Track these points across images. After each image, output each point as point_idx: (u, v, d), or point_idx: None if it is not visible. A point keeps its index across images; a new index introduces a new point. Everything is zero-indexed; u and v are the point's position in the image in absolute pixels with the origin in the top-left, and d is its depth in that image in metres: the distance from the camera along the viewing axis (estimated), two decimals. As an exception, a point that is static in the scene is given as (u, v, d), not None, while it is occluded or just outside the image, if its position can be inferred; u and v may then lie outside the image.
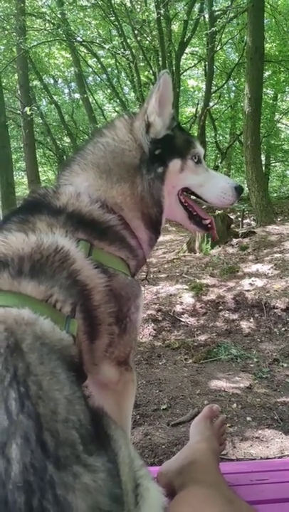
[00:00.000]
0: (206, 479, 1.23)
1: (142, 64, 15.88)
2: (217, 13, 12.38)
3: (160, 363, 4.06)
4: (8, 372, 0.84)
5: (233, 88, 18.79)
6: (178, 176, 1.50)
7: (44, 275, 1.10)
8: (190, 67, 17.22)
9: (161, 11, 12.17)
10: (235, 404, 3.24)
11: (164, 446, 2.74)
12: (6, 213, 1.38)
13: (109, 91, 18.05)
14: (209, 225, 1.62)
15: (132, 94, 17.13)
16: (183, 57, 16.29)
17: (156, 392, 3.47)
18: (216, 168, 18.15)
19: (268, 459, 2.61)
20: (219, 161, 18.14)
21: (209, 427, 1.54)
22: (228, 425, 2.97)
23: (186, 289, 5.66)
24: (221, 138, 20.25)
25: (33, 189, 1.47)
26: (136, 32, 14.20)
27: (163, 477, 1.35)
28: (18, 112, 13.78)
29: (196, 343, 4.42)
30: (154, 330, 4.76)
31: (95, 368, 1.31)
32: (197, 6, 14.80)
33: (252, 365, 3.94)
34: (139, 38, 14.71)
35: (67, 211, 1.29)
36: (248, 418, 3.06)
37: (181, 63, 15.79)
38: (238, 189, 1.57)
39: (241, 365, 3.96)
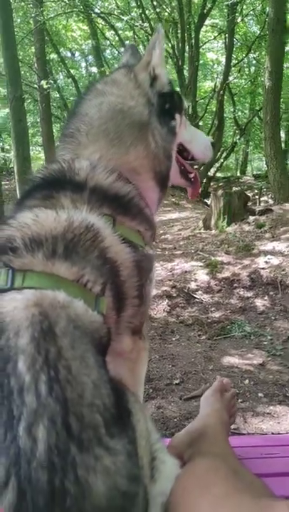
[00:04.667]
0: (213, 450, 1.25)
1: (160, 37, 15.51)
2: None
3: (173, 339, 4.08)
4: (40, 356, 0.85)
5: (254, 62, 18.32)
6: (179, 131, 1.50)
7: (77, 256, 1.09)
8: (209, 40, 16.80)
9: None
10: (247, 381, 3.25)
11: (176, 420, 2.78)
12: (27, 189, 1.33)
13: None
14: (192, 179, 1.63)
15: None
16: (203, 29, 15.89)
17: (169, 367, 3.51)
18: (235, 144, 17.91)
19: (279, 434, 2.64)
20: (238, 137, 17.84)
21: (219, 399, 1.55)
22: (240, 401, 2.99)
23: (201, 266, 5.65)
24: (239, 113, 19.87)
25: (45, 165, 1.41)
26: (155, 3, 13.87)
27: (173, 449, 1.37)
28: (35, 85, 13.65)
29: (209, 320, 4.43)
30: (168, 306, 4.78)
31: (117, 337, 1.32)
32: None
33: (265, 343, 3.95)
34: (158, 10, 14.37)
35: (89, 186, 1.27)
36: (260, 394, 3.08)
37: (200, 36, 15.43)
38: (213, 145, 1.66)
39: (255, 342, 3.97)
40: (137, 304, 1.29)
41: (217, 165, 17.61)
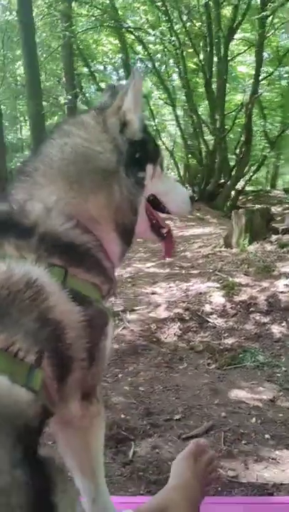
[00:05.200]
0: None
1: (190, 50, 15.50)
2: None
3: (181, 367, 3.88)
4: None
5: (285, 75, 18.03)
6: (150, 183, 1.38)
7: (9, 319, 0.94)
8: (240, 53, 16.62)
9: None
10: (254, 419, 3.02)
11: (170, 463, 2.56)
12: None
13: (155, 78, 17.75)
14: (165, 234, 1.52)
15: (179, 81, 16.75)
16: (234, 42, 15.76)
17: (172, 399, 3.31)
18: (265, 157, 17.57)
19: (281, 485, 2.40)
20: (268, 150, 17.51)
21: (192, 466, 1.36)
22: (243, 442, 2.77)
23: (217, 287, 5.43)
24: (270, 127, 19.54)
25: None
26: (184, 18, 13.85)
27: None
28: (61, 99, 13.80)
29: (221, 347, 4.21)
30: (180, 330, 4.59)
31: (62, 404, 1.16)
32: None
33: (279, 375, 3.70)
34: (189, 24, 14.34)
35: (39, 232, 1.12)
36: (267, 436, 2.85)
37: (232, 49, 15.30)
38: (192, 198, 1.55)
39: (267, 373, 3.72)
40: (87, 365, 1.14)
41: (246, 178, 17.34)
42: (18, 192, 1.23)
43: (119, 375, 3.71)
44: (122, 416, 3.03)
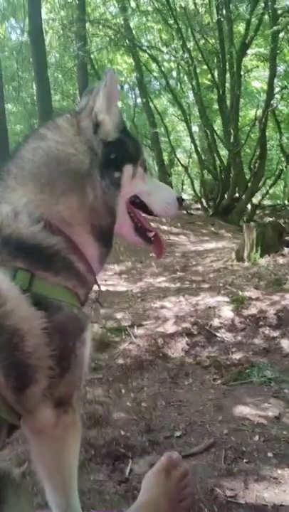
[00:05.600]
0: None
1: (204, 67, 15.62)
2: (279, 11, 11.81)
3: (186, 383, 3.80)
4: None
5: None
6: (130, 184, 1.38)
7: None
8: (252, 68, 16.68)
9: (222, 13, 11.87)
10: (257, 437, 2.92)
11: (166, 481, 2.49)
12: None
13: (170, 95, 17.92)
14: (153, 238, 1.50)
15: (193, 97, 16.85)
16: (248, 58, 15.83)
17: (174, 415, 3.23)
18: (281, 172, 17.48)
19: (281, 506, 2.29)
20: (284, 164, 17.42)
21: (163, 482, 1.31)
22: (245, 461, 2.67)
23: (227, 301, 5.35)
24: (286, 141, 19.45)
25: None
26: (197, 35, 13.98)
27: None
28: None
29: (228, 362, 4.11)
30: (188, 345, 4.52)
31: (30, 415, 1.13)
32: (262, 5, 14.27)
33: (286, 391, 3.58)
34: (202, 42, 14.48)
35: (2, 235, 1.12)
36: (269, 454, 2.73)
37: (246, 64, 15.36)
38: (180, 200, 1.51)
39: (274, 389, 3.61)
40: (57, 373, 1.11)
41: (263, 192, 17.27)
42: None
43: (123, 391, 3.65)
44: (122, 433, 2.97)
